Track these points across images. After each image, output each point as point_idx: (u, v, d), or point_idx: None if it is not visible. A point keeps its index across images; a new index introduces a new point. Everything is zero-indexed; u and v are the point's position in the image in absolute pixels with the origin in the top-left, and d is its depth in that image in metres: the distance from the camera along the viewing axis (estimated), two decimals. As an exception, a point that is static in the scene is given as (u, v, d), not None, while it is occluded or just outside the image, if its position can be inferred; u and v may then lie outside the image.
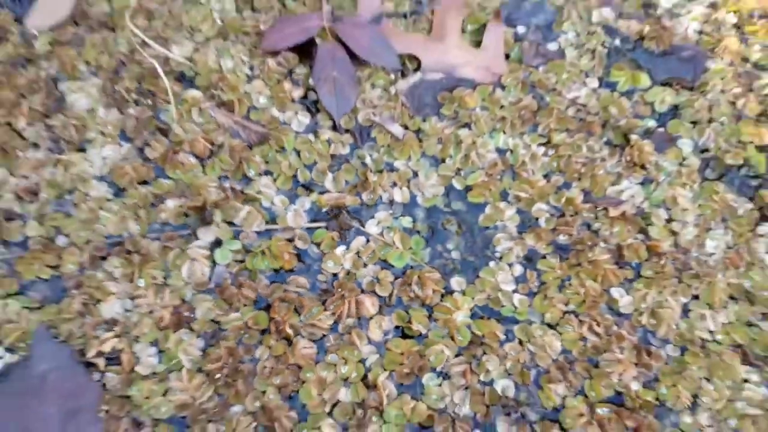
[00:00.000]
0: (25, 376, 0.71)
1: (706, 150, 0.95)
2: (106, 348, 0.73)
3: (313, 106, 0.91)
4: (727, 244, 0.88)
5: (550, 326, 0.80)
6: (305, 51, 0.93)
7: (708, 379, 0.79)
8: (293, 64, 0.92)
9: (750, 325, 0.84)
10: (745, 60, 1.03)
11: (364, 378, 0.75)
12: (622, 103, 0.96)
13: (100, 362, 0.73)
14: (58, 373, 0.71)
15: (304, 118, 0.89)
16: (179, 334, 0.74)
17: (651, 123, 0.96)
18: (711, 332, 0.82)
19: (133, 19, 0.92)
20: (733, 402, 0.79)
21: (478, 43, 0.98)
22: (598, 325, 0.80)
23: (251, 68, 0.92)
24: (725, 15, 1.06)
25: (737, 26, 1.06)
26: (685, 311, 0.83)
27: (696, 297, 0.84)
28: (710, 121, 0.97)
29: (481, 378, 0.76)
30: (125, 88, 0.87)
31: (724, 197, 0.90)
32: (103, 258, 0.78)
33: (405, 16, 0.99)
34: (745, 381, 0.81)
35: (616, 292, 0.83)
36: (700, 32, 1.04)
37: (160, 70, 0.87)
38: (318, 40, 0.92)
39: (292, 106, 0.90)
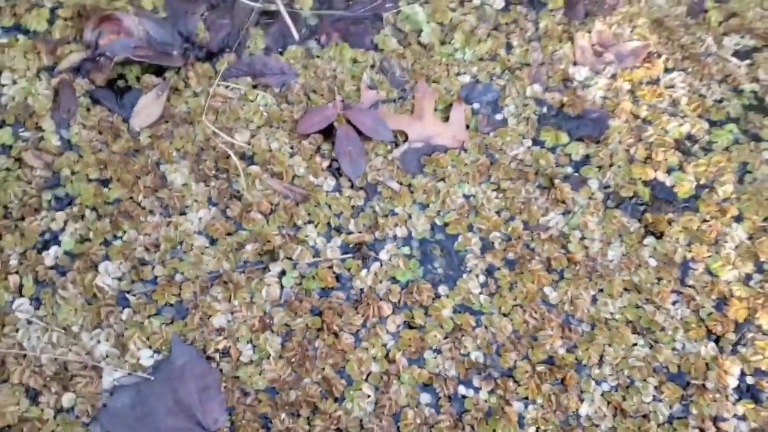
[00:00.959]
0: (170, 369, 1.09)
1: (608, 187, 1.33)
2: (220, 346, 1.11)
3: (336, 172, 1.29)
4: (622, 252, 1.26)
5: (505, 315, 1.19)
6: (328, 132, 1.30)
7: (609, 345, 1.18)
8: (320, 143, 1.31)
9: (637, 306, 1.23)
10: (636, 117, 1.41)
11: (386, 356, 1.13)
12: (548, 156, 1.34)
13: (216, 356, 1.11)
14: (190, 365, 1.09)
15: (332, 181, 1.28)
16: (265, 335, 1.13)
17: (569, 170, 1.33)
18: (611, 313, 1.21)
19: (205, 115, 1.30)
20: (626, 358, 1.20)
21: (446, 119, 1.36)
22: (536, 312, 1.20)
23: (291, 147, 1.30)
24: (622, 83, 1.44)
25: (631, 91, 1.44)
26: (594, 300, 1.22)
27: (601, 290, 1.22)
28: (611, 165, 1.35)
29: (461, 351, 1.16)
30: (206, 167, 1.25)
31: (620, 220, 1.29)
32: (209, 287, 1.17)
33: (394, 101, 1.38)
34: (634, 344, 1.21)
35: (547, 290, 1.21)
36: (604, 98, 1.43)
37: (230, 153, 1.25)
38: (336, 124, 1.31)
39: (322, 173, 1.28)
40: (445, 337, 1.15)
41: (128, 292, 1.14)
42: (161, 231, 1.19)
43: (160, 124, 1.28)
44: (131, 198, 1.21)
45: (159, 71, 1.33)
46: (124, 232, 1.18)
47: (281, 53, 1.39)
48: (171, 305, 1.14)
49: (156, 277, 1.16)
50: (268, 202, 1.22)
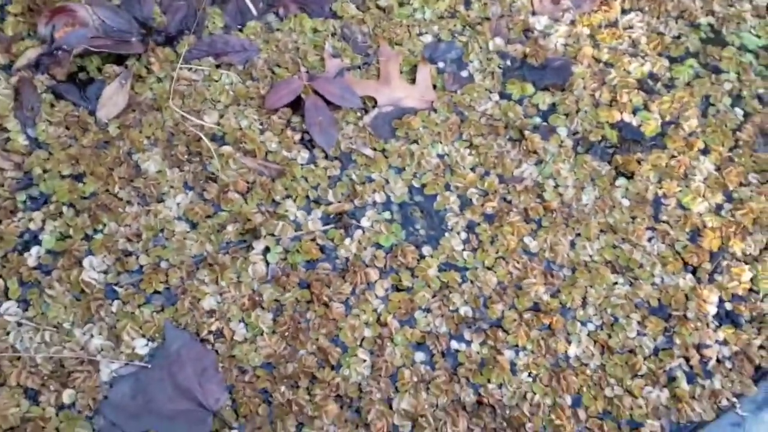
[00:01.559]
0: (166, 355, 1.10)
1: (576, 133, 1.35)
2: (213, 328, 1.12)
3: (309, 144, 1.29)
4: (595, 196, 1.29)
5: (489, 268, 1.22)
6: (296, 105, 1.30)
7: (591, 286, 1.22)
8: (289, 116, 1.31)
9: (614, 247, 1.26)
10: (598, 61, 1.43)
11: (378, 320, 1.16)
12: (516, 108, 1.36)
13: (210, 338, 1.12)
14: (186, 348, 1.11)
15: (305, 154, 1.28)
16: (256, 312, 1.14)
17: (537, 120, 1.36)
18: (590, 256, 1.25)
19: (172, 100, 1.29)
20: (608, 298, 1.23)
21: (413, 80, 1.37)
22: (518, 263, 1.23)
23: (261, 123, 1.30)
24: (581, 29, 1.46)
25: (591, 36, 1.45)
26: (572, 245, 1.25)
27: (579, 234, 1.25)
28: (578, 111, 1.36)
29: (450, 308, 1.18)
30: (179, 152, 1.25)
31: (591, 164, 1.32)
32: (195, 271, 1.17)
33: (359, 67, 1.38)
34: (615, 284, 1.25)
35: (527, 239, 1.24)
36: (565, 45, 1.44)
37: (201, 135, 1.25)
38: (303, 96, 1.30)
39: (295, 146, 1.29)
40: (434, 296, 1.18)
41: (116, 285, 1.14)
42: (141, 220, 1.19)
43: (128, 114, 1.27)
44: (107, 190, 1.21)
45: (120, 60, 1.31)
46: (104, 225, 1.18)
47: (241, 30, 1.38)
48: (159, 293, 1.14)
49: (141, 267, 1.16)
50: (244, 181, 1.22)
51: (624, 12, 1.47)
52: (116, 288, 1.14)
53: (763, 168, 1.31)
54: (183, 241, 1.17)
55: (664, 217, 1.27)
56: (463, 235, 1.23)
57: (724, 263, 1.23)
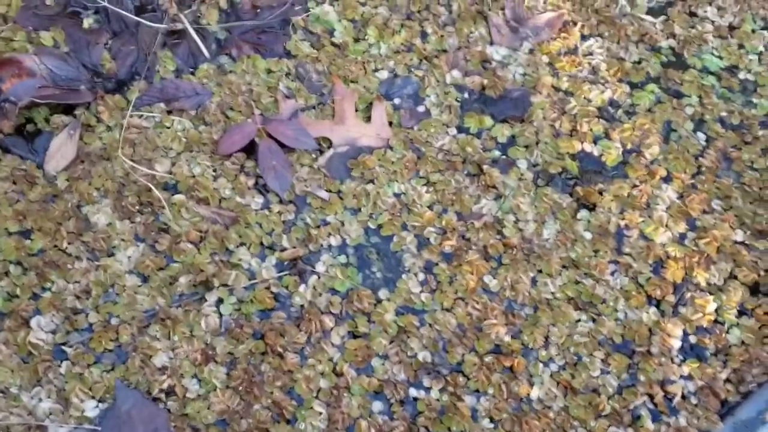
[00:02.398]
0: (116, 416, 1.08)
1: (536, 165, 1.33)
2: (164, 386, 1.09)
3: (263, 189, 1.27)
4: (557, 230, 1.27)
5: (447, 310, 1.19)
6: (250, 149, 1.28)
7: (553, 325, 1.19)
8: (243, 161, 1.29)
9: (577, 282, 1.24)
10: (558, 90, 1.40)
11: (334, 370, 1.13)
12: (474, 142, 1.34)
13: (162, 396, 1.09)
14: (137, 409, 1.08)
15: (260, 199, 1.26)
16: (209, 367, 1.12)
17: (496, 153, 1.34)
18: (552, 293, 1.22)
19: (121, 149, 1.27)
20: (571, 336, 1.21)
21: (368, 118, 1.35)
22: (478, 303, 1.20)
23: (214, 170, 1.27)
24: (540, 57, 1.44)
25: (550, 64, 1.43)
26: (534, 282, 1.23)
27: (540, 271, 1.23)
28: (537, 143, 1.34)
29: (408, 354, 1.16)
30: (129, 203, 1.22)
31: (552, 197, 1.29)
32: (147, 327, 1.15)
33: (314, 107, 1.36)
34: (577, 321, 1.22)
35: (486, 278, 1.21)
36: (524, 75, 1.42)
37: (151, 186, 1.23)
38: (257, 140, 1.28)
39: (249, 192, 1.26)
40: (391, 342, 1.15)
41: (64, 344, 1.12)
42: (91, 276, 1.16)
43: (77, 165, 1.25)
44: (56, 246, 1.19)
45: (68, 109, 1.30)
46: (53, 282, 1.16)
47: (193, 73, 1.36)
48: (110, 351, 1.12)
49: (91, 325, 1.14)
50: (196, 230, 1.20)
51: (584, 38, 1.45)
52: (65, 348, 1.12)
53: (727, 194, 1.29)
54: (134, 296, 1.15)
55: (627, 249, 1.24)
56: (421, 276, 1.21)
57: (688, 295, 1.21)
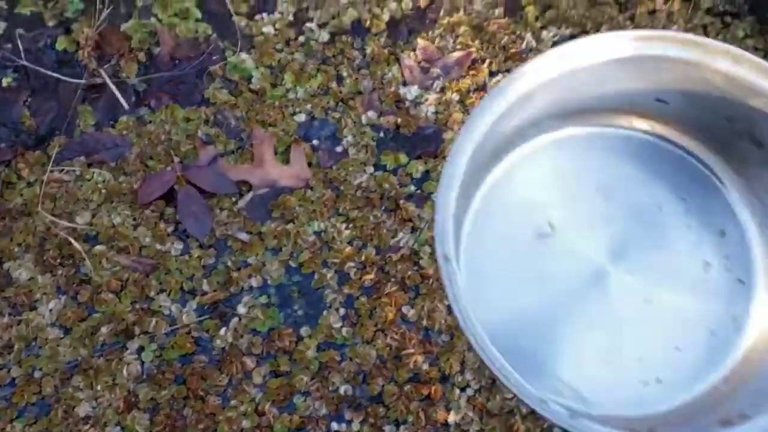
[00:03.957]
0: (39, 467, 1.09)
1: (450, 198, 1.41)
2: (87, 435, 1.12)
3: (183, 235, 1.30)
4: (471, 259, 1.35)
5: (368, 343, 1.23)
6: (169, 197, 1.32)
7: (469, 350, 1.26)
8: (163, 208, 1.32)
9: (491, 308, 1.31)
10: (470, 125, 1.50)
11: (256, 410, 1.16)
12: (391, 179, 1.39)
13: (86, 445, 1.12)
14: (60, 459, 1.10)
15: (179, 245, 1.29)
16: (132, 414, 1.13)
17: (412, 188, 1.39)
18: (468, 320, 1.29)
19: (42, 204, 1.29)
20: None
21: (287, 160, 1.40)
22: (396, 334, 1.24)
23: (134, 219, 1.31)
24: (451, 95, 1.50)
25: (460, 101, 1.50)
26: (449, 310, 1.28)
27: (456, 299, 1.31)
28: (451, 176, 1.43)
29: (330, 388, 1.19)
30: (51, 257, 1.25)
31: (466, 228, 1.37)
32: (69, 378, 1.17)
33: (233, 152, 1.40)
34: (494, 344, 1.29)
35: (405, 309, 1.25)
36: (436, 113, 1.48)
37: (71, 239, 1.26)
38: (176, 187, 1.32)
39: (168, 239, 1.30)
40: (312, 378, 1.19)
41: (-15, 401, 1.13)
42: (13, 331, 1.18)
43: (-3, 222, 1.27)
44: (-24, 303, 1.20)
45: (-12, 168, 1.32)
46: (-27, 340, 1.17)
47: (113, 126, 1.40)
48: (33, 404, 1.14)
49: (14, 379, 1.15)
50: (117, 279, 1.23)
51: (492, 74, 1.52)
52: (-14, 404, 1.13)
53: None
54: (56, 348, 1.17)
55: (538, 274, 1.29)
56: (342, 311, 1.25)
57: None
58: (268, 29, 1.51)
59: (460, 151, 0.85)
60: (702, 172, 1.01)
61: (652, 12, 1.63)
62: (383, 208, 1.36)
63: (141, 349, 1.18)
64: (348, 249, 1.30)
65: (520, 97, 0.87)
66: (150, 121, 1.41)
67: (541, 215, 0.99)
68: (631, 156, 1.01)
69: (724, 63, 0.86)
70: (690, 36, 0.89)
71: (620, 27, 1.59)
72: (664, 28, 1.60)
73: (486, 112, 0.86)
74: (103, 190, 1.32)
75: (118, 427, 1.13)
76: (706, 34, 1.60)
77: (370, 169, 1.40)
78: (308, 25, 1.53)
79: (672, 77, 0.91)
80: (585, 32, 1.59)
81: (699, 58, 0.87)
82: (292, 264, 1.29)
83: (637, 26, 1.60)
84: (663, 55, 0.89)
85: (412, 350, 1.21)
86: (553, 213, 0.99)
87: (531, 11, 1.62)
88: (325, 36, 1.54)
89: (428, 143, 1.43)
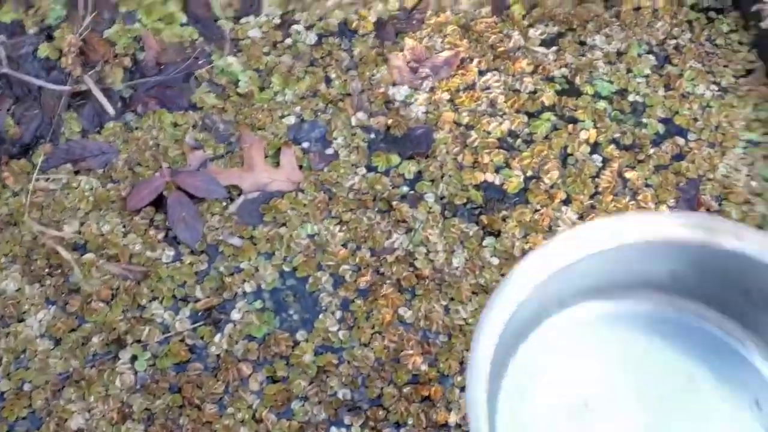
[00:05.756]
0: (32, 483, 1.07)
1: (443, 198, 1.38)
2: (81, 448, 1.10)
3: (174, 242, 1.28)
4: (465, 258, 1.32)
5: (365, 345, 1.21)
6: (159, 203, 1.30)
7: (467, 350, 1.24)
8: (153, 215, 1.30)
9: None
10: (459, 125, 1.46)
11: (254, 417, 1.14)
12: (383, 180, 1.38)
13: (80, 458, 1.10)
14: (53, 474, 1.07)
15: (170, 252, 1.27)
16: (126, 425, 1.11)
17: (405, 189, 1.38)
18: (464, 319, 1.27)
19: (28, 214, 1.27)
20: (486, 359, 1.25)
21: (277, 164, 1.39)
22: (394, 335, 1.23)
23: (124, 226, 1.28)
24: (441, 95, 1.50)
25: (450, 101, 1.50)
26: (447, 310, 1.26)
27: (452, 299, 1.27)
28: (442, 176, 1.39)
29: (328, 393, 1.17)
30: (38, 267, 1.22)
31: (459, 227, 1.34)
32: (61, 390, 1.14)
33: (222, 156, 1.39)
34: (492, 343, 1.28)
35: (401, 310, 1.25)
36: (426, 113, 1.47)
37: (59, 248, 1.23)
38: (166, 193, 1.30)
39: (159, 245, 1.27)
40: (310, 383, 1.17)
41: (-25, 417, 1.10)
42: (1, 344, 1.15)
43: (-18, 233, 1.24)
44: (-37, 316, 1.17)
45: (-28, 178, 1.29)
46: (-39, 353, 1.14)
47: (99, 132, 1.37)
48: (24, 419, 1.11)
49: (3, 393, 1.12)
50: (107, 288, 1.20)
51: (481, 73, 1.51)
52: (-25, 420, 1.10)
53: (623, 211, 1.35)
54: (46, 360, 1.14)
55: (534, 272, 1.29)
56: (338, 314, 1.23)
57: (595, 311, 1.26)
58: (255, 32, 1.49)
59: (480, 345, 0.84)
60: (727, 342, 1.01)
61: (638, 9, 1.64)
62: (376, 209, 1.34)
63: (134, 358, 1.16)
64: (342, 251, 1.29)
65: (533, 286, 0.87)
66: (137, 127, 1.39)
67: (573, 394, 0.98)
68: (654, 329, 1.01)
69: (730, 241, 0.88)
70: (696, 217, 0.90)
71: (606, 24, 1.60)
72: (649, 25, 1.61)
73: (499, 307, 0.85)
74: (91, 198, 1.29)
75: (113, 439, 1.10)
76: (691, 29, 1.60)
77: (362, 170, 1.39)
78: (295, 27, 1.52)
79: (683, 257, 0.92)
80: (572, 29, 1.59)
81: (706, 238, 0.89)
82: (286, 268, 1.27)
83: (622, 23, 1.60)
84: (671, 239, 0.90)
85: (410, 352, 1.20)
86: (585, 390, 0.97)
87: (517, 9, 1.62)
88: (312, 38, 1.53)
89: (419, 143, 1.42)
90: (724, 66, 1.57)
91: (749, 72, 1.56)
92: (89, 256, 1.23)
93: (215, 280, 1.24)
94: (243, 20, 1.50)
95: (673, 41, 1.59)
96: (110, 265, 1.23)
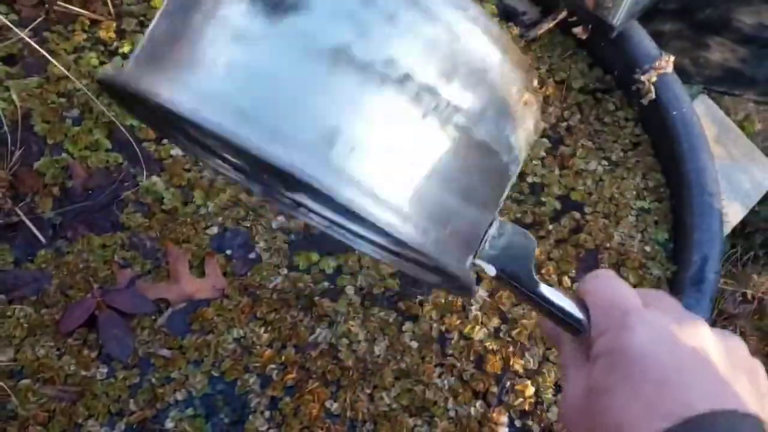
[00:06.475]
0: None
1: (362, 288, 1.49)
2: None
3: (107, 359, 1.35)
4: (386, 345, 1.40)
5: (295, 440, 1.30)
6: (91, 323, 1.38)
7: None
8: (86, 335, 1.37)
9: (409, 390, 1.34)
10: (374, 218, 1.60)
11: None
12: (305, 277, 1.48)
13: None
14: None
15: (104, 369, 1.33)
16: None
17: (326, 284, 1.48)
18: (389, 405, 1.32)
19: (-36, 347, 1.33)
20: None
21: (202, 273, 1.48)
22: (322, 429, 1.29)
23: (58, 349, 1.35)
24: (355, 192, 1.64)
25: (365, 196, 1.64)
26: (371, 398, 1.33)
27: (376, 386, 1.33)
28: (360, 268, 1.51)
29: (261, 490, 1.24)
30: (-25, 398, 1.28)
31: (379, 315, 1.43)
32: None
33: (150, 272, 1.47)
34: (414, 426, 1.35)
35: (327, 403, 1.30)
36: (342, 210, 1.61)
37: (-5, 377, 1.29)
38: (97, 312, 1.38)
39: (93, 364, 1.34)
40: (243, 483, 1.22)
41: None
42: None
43: None
44: None
45: None
46: None
47: (32, 261, 1.45)
48: None
49: None
50: (44, 411, 1.26)
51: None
52: None
53: (529, 286, 1.45)
54: (-15, 489, 1.18)
55: (450, 351, 1.38)
56: (267, 413, 1.30)
57: (508, 383, 1.35)
58: (176, 151, 1.60)
59: None
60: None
61: (530, 95, 1.79)
62: (299, 306, 1.43)
63: (71, 478, 1.20)
64: (268, 351, 1.36)
65: None
66: (68, 252, 1.47)
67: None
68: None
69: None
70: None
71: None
72: (543, 112, 1.76)
73: None
74: (26, 325, 1.36)
75: None
76: (580, 110, 1.76)
77: (284, 270, 1.48)
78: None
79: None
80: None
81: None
82: (215, 373, 1.34)
83: (516, 110, 1.75)
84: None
85: (337, 442, 1.26)
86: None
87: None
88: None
89: (338, 240, 1.51)
90: (613, 141, 1.72)
91: (636, 145, 1.72)
92: (25, 381, 1.29)
93: (148, 392, 1.30)
94: (164, 141, 1.61)
95: (564, 123, 1.74)
96: (46, 389, 1.29)
